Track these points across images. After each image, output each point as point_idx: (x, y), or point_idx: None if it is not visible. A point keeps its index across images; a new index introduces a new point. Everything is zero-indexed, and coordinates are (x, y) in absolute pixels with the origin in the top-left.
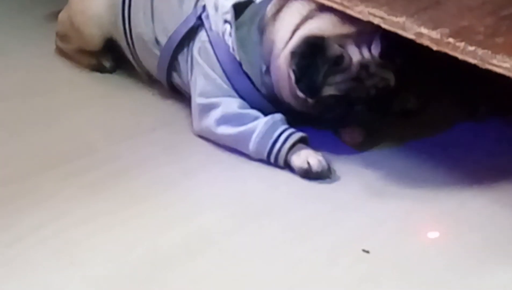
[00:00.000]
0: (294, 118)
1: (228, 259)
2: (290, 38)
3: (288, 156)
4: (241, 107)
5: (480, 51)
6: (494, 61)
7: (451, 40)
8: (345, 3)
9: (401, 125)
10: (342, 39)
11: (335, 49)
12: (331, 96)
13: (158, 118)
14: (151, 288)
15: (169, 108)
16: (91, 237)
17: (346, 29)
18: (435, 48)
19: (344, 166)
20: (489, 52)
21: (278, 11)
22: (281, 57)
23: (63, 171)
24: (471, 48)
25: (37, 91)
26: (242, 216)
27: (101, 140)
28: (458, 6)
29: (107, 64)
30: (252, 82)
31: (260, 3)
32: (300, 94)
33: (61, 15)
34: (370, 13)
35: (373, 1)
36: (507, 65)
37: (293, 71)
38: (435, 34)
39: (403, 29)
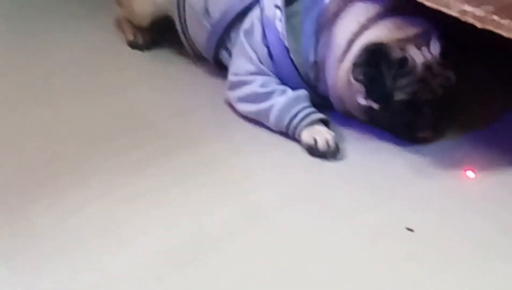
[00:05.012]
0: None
1: (273, 239)
2: (347, 47)
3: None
4: (265, 85)
5: None
6: None
7: (495, 17)
8: None
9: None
10: (401, 43)
11: (397, 53)
12: (400, 101)
13: (206, 96)
14: (197, 268)
15: (217, 86)
16: (137, 216)
17: (404, 33)
18: (479, 25)
19: (389, 146)
20: None
21: (338, 12)
22: (342, 69)
23: (109, 149)
24: None
25: (89, 67)
26: (287, 196)
27: (148, 117)
28: None
29: (140, 41)
30: (296, 69)
31: None
32: (365, 103)
33: None
34: None
35: None
36: None
37: (361, 82)
38: (479, 12)
39: (448, 6)
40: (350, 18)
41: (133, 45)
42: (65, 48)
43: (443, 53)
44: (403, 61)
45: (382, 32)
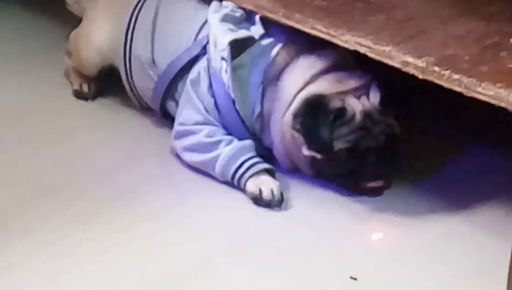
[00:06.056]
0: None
1: (216, 287)
2: (291, 102)
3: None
4: (211, 135)
5: (465, 79)
6: (479, 89)
7: (436, 68)
8: (332, 32)
9: None
10: (341, 94)
11: (335, 103)
12: (341, 150)
13: (152, 145)
14: None
15: (163, 135)
16: (80, 265)
17: (344, 86)
18: (420, 76)
19: (334, 195)
20: (474, 80)
21: (285, 66)
22: (284, 121)
23: (54, 199)
24: (456, 76)
25: (35, 116)
26: (230, 243)
27: (93, 167)
28: (443, 35)
29: (86, 90)
30: (242, 120)
31: (263, 46)
32: (308, 153)
33: (72, 33)
34: (356, 42)
35: (360, 31)
36: (491, 93)
37: (300, 132)
38: (420, 63)
39: (389, 58)
40: (295, 73)
41: (78, 94)
42: (11, 96)
43: (383, 101)
44: (341, 111)
45: (323, 85)
